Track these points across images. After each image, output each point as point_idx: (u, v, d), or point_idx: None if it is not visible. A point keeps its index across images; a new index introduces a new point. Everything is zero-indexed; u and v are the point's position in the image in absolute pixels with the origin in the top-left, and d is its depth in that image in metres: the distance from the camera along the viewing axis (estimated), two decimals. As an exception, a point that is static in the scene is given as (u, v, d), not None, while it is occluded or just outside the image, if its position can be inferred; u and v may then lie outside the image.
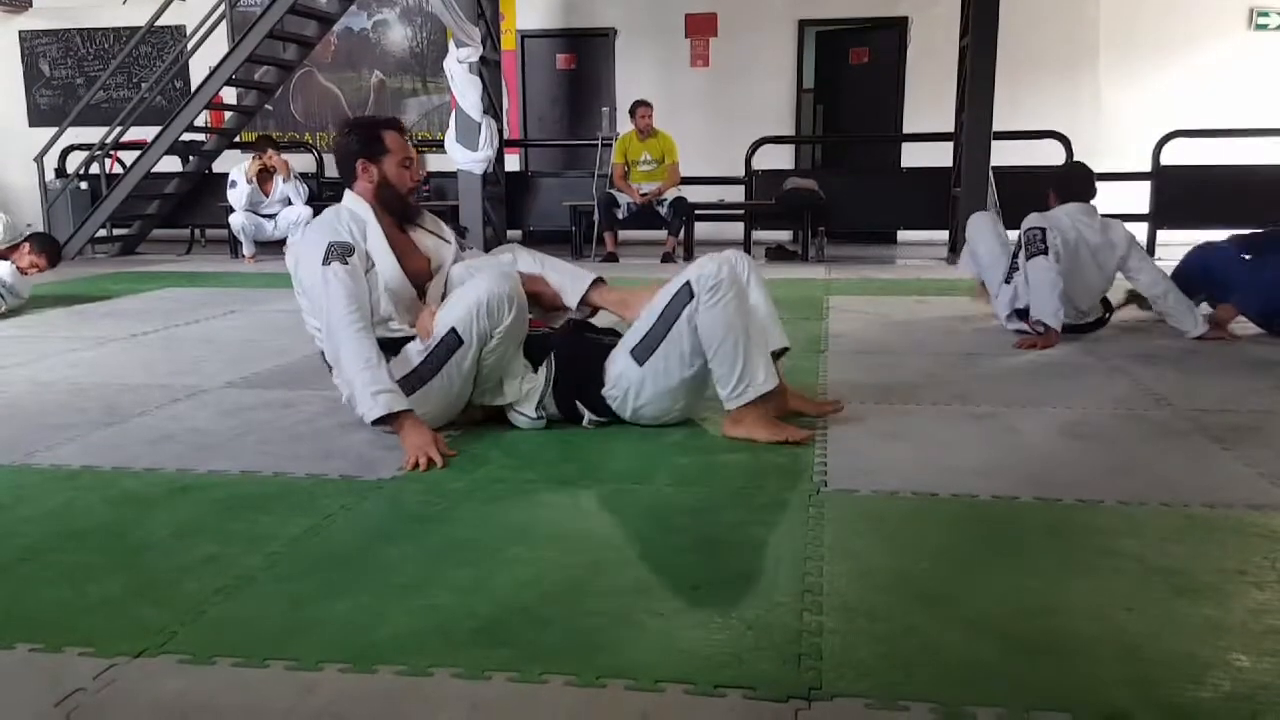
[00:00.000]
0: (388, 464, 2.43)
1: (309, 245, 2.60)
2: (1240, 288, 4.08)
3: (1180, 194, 7.61)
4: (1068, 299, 4.00)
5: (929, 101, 9.10)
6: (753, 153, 8.29)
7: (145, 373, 3.59)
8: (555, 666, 1.44)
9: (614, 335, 2.85)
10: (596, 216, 7.66)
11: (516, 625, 1.58)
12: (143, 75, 10.54)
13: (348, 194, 2.74)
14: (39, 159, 8.55)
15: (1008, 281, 4.19)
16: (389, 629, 1.57)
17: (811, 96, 10.12)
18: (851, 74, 9.93)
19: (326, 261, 2.53)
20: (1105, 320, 4.29)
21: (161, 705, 1.36)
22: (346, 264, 2.54)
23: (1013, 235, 4.29)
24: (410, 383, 2.56)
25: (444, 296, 2.73)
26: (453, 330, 2.54)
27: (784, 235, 8.96)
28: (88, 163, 8.63)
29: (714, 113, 9.65)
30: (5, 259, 5.02)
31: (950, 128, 7.82)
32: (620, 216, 7.69)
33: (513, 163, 9.52)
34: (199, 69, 9.10)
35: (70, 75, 11.18)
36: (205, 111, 8.57)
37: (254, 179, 7.72)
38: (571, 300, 2.78)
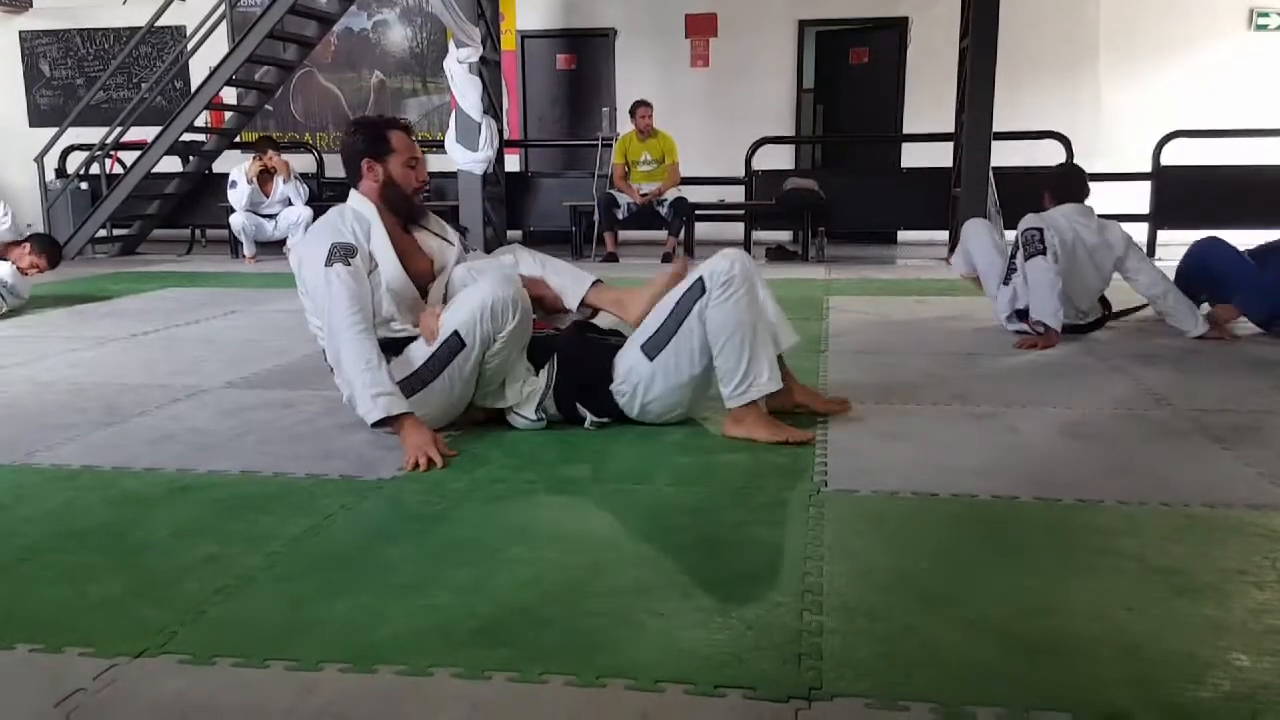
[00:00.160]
0: (388, 464, 2.43)
1: (312, 246, 2.61)
2: (1241, 288, 4.07)
3: (1180, 194, 7.62)
4: (1067, 299, 4.00)
5: (929, 102, 9.10)
6: (753, 153, 8.29)
7: (145, 373, 3.59)
8: (555, 666, 1.44)
9: (618, 336, 2.86)
10: (597, 217, 7.67)
11: (516, 625, 1.58)
12: (143, 75, 10.54)
13: (353, 193, 2.74)
14: (39, 159, 8.55)
15: (1006, 283, 4.19)
16: (389, 629, 1.57)
17: (811, 97, 10.12)
18: (852, 74, 9.93)
19: (329, 263, 2.53)
20: (1103, 321, 4.29)
21: (162, 705, 1.36)
22: (349, 265, 2.54)
23: (1010, 235, 4.29)
24: (411, 384, 2.56)
25: (446, 298, 2.74)
26: (455, 333, 2.54)
27: (784, 235, 8.96)
28: (88, 163, 8.64)
29: (714, 113, 9.65)
30: (5, 259, 5.02)
31: (950, 128, 7.82)
32: (620, 217, 7.70)
33: (513, 163, 9.52)
34: (199, 69, 9.10)
35: (70, 75, 11.18)
36: (205, 112, 8.57)
37: (254, 179, 7.73)
38: (572, 302, 2.79)
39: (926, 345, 4.01)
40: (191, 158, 9.05)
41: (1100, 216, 4.19)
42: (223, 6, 8.58)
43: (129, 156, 8.59)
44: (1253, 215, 7.11)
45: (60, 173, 8.92)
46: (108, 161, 8.68)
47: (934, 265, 7.31)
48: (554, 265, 2.86)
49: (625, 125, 8.10)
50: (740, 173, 8.36)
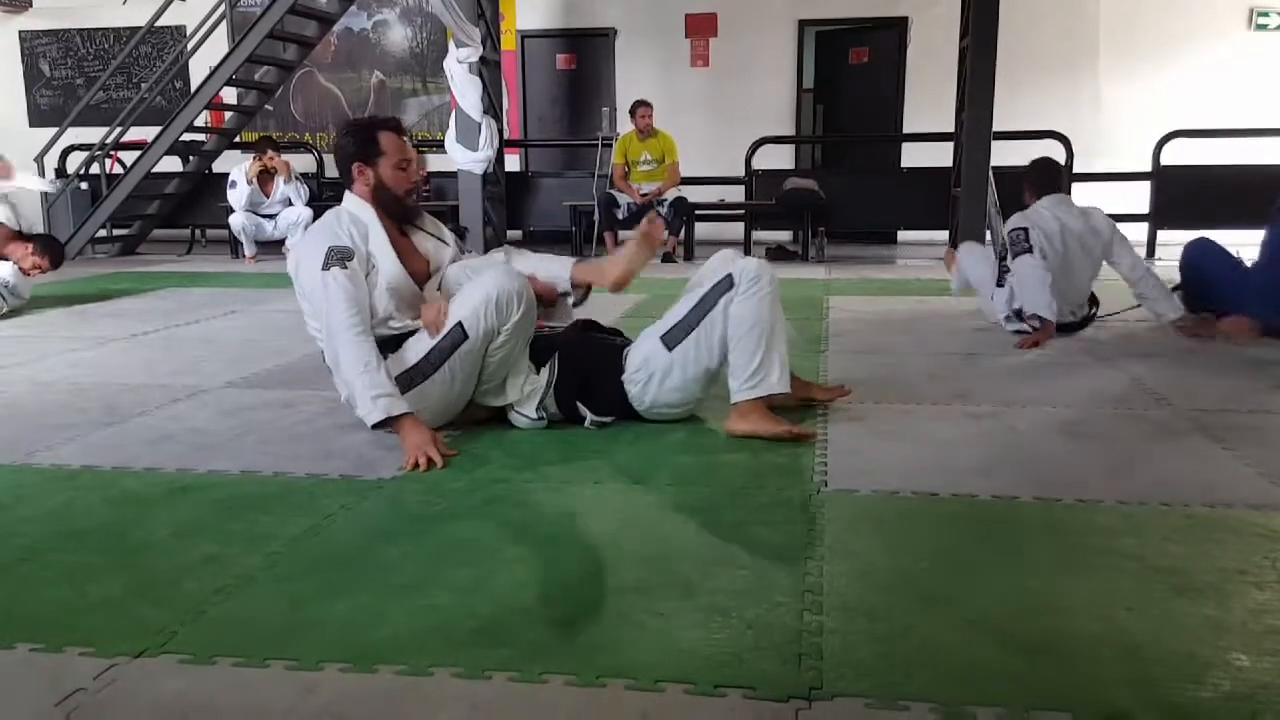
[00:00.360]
0: (388, 464, 2.43)
1: (309, 250, 2.61)
2: (1238, 294, 4.06)
3: (1180, 194, 7.62)
4: (1061, 294, 4.03)
5: (929, 101, 9.10)
6: (753, 153, 8.29)
7: (145, 373, 3.59)
8: (555, 666, 1.44)
9: (620, 336, 2.89)
10: (597, 216, 7.67)
11: (516, 625, 1.58)
12: (143, 75, 10.54)
13: (348, 195, 2.74)
14: (39, 159, 8.56)
15: (1000, 285, 4.24)
16: (389, 629, 1.57)
17: (811, 96, 10.12)
18: (852, 74, 9.93)
19: (326, 267, 2.54)
20: (1093, 317, 4.32)
21: (162, 705, 1.36)
22: (346, 268, 2.54)
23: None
24: (411, 377, 2.57)
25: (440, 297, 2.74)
26: (459, 325, 2.54)
27: (784, 235, 8.96)
28: (88, 163, 8.63)
29: (714, 113, 9.65)
30: (6, 259, 5.02)
31: (950, 128, 7.82)
32: (620, 216, 7.69)
33: (513, 163, 9.52)
34: (199, 69, 9.10)
35: (70, 75, 11.19)
36: (205, 112, 8.57)
37: (254, 180, 7.73)
38: (565, 285, 2.78)
39: (926, 345, 4.01)
40: (191, 158, 9.05)
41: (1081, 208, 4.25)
42: (223, 6, 8.58)
43: (129, 156, 8.59)
44: (1252, 215, 7.06)
45: (60, 173, 8.92)
46: (108, 161, 8.68)
47: (934, 265, 7.30)
48: (541, 259, 2.88)
49: (625, 125, 8.10)
50: (740, 172, 8.36)
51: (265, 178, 7.78)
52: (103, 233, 8.60)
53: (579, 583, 1.74)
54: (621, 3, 9.91)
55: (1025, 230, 4.07)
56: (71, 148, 8.81)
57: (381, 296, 2.62)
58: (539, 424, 2.70)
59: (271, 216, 7.85)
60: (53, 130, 8.81)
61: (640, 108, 7.64)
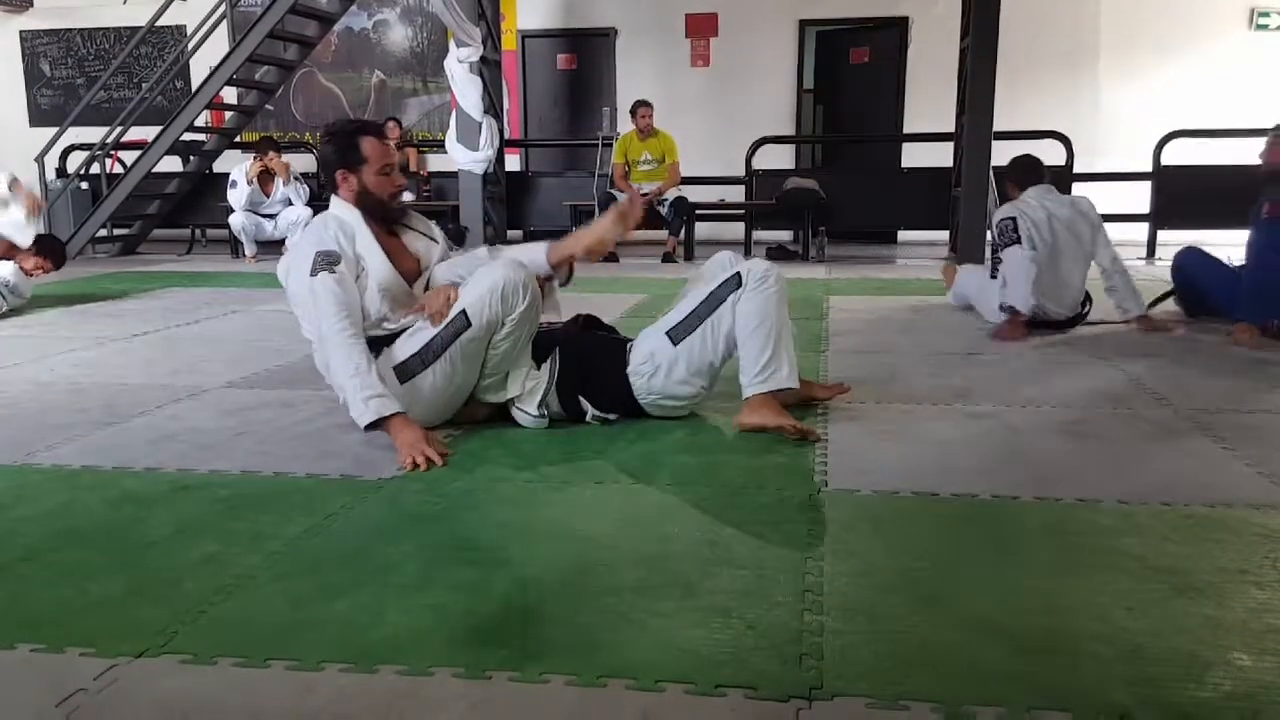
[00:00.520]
0: (388, 464, 2.43)
1: (297, 257, 2.62)
2: (1229, 298, 4.06)
3: (1181, 194, 7.61)
4: (1053, 286, 4.13)
5: (929, 101, 9.10)
6: (753, 152, 8.28)
7: (145, 373, 3.59)
8: (556, 666, 1.44)
9: (617, 333, 2.90)
10: (597, 216, 7.65)
11: (517, 625, 1.58)
12: (143, 75, 10.54)
13: (334, 200, 2.74)
14: (40, 159, 8.55)
15: (994, 277, 4.32)
16: (389, 628, 1.57)
17: (812, 96, 10.12)
18: (852, 74, 9.93)
19: (314, 273, 2.54)
20: (1086, 315, 4.34)
21: (162, 705, 1.36)
22: (334, 273, 2.54)
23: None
24: (412, 366, 2.58)
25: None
26: (463, 313, 2.55)
27: (784, 235, 8.97)
28: (88, 163, 8.64)
29: (714, 112, 9.65)
30: (9, 259, 5.02)
31: (950, 128, 7.82)
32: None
33: (513, 163, 9.52)
34: (199, 69, 9.11)
35: (71, 75, 11.19)
36: (206, 111, 8.57)
37: (255, 180, 7.73)
38: (545, 269, 2.75)
39: (926, 345, 4.01)
40: (192, 157, 9.05)
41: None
42: (223, 6, 8.58)
43: (129, 156, 8.59)
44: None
45: (61, 172, 8.93)
46: (108, 161, 8.68)
47: (934, 265, 7.31)
48: (520, 249, 2.86)
49: (625, 125, 8.10)
50: (740, 172, 8.36)
51: (265, 178, 7.78)
52: (103, 232, 8.60)
53: (579, 582, 1.74)
54: (622, 3, 9.91)
55: (1014, 220, 4.15)
56: (72, 147, 8.81)
57: (373, 298, 2.63)
58: (541, 421, 2.70)
59: (272, 216, 7.85)
60: (53, 130, 8.81)
61: (641, 107, 7.63)
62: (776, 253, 7.89)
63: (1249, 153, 7.93)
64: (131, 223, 8.91)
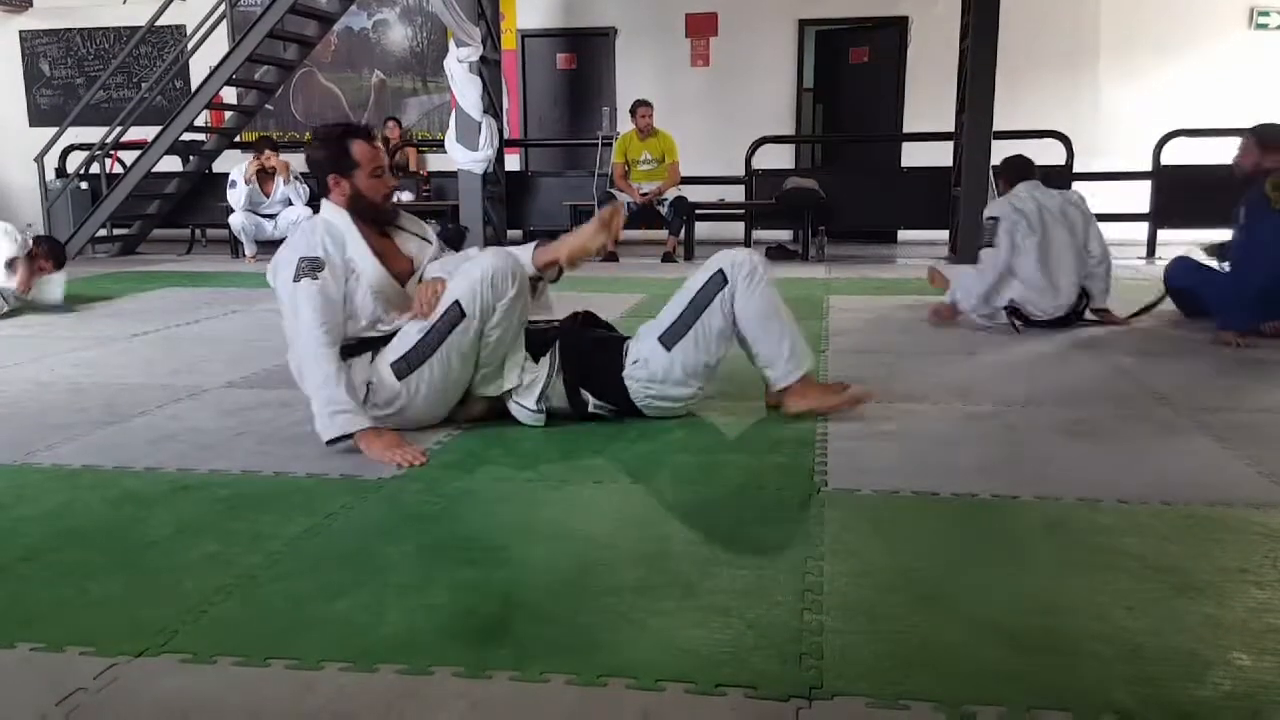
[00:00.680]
0: (388, 463, 2.42)
1: (283, 262, 2.61)
2: (1224, 303, 4.06)
3: (1181, 193, 7.61)
4: (1048, 277, 4.21)
5: (929, 101, 9.10)
6: (753, 152, 8.29)
7: (145, 372, 3.59)
8: (556, 665, 1.44)
9: (615, 330, 2.92)
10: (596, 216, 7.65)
11: (517, 624, 1.58)
12: (143, 75, 10.54)
13: (325, 203, 2.73)
14: (39, 159, 8.55)
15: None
16: (389, 628, 1.57)
17: (812, 96, 10.12)
18: (852, 73, 9.93)
19: (297, 278, 2.55)
20: (1081, 312, 4.36)
21: (163, 704, 1.36)
22: (317, 279, 2.54)
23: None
24: (410, 361, 2.58)
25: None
26: (456, 303, 2.55)
27: (784, 235, 8.96)
28: (88, 162, 8.63)
29: (714, 112, 9.65)
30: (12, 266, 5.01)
31: (950, 127, 7.82)
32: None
33: (513, 162, 9.52)
34: (199, 69, 9.10)
35: (70, 75, 11.19)
36: (205, 111, 8.57)
37: (253, 179, 7.73)
38: (531, 269, 2.73)
39: (926, 344, 4.01)
40: (191, 157, 9.05)
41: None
42: (223, 6, 8.58)
43: (129, 156, 8.58)
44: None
45: (60, 172, 8.92)
46: (108, 161, 8.68)
47: (936, 264, 7.30)
48: (507, 250, 2.86)
49: (625, 124, 8.10)
50: (740, 172, 8.36)
51: (265, 178, 7.78)
52: (103, 232, 8.60)
53: (579, 582, 1.74)
54: (622, 2, 9.91)
55: (996, 220, 4.32)
56: (72, 147, 8.80)
57: (366, 300, 2.62)
58: (539, 417, 2.70)
59: (271, 216, 7.85)
60: (53, 130, 8.81)
61: (640, 107, 7.63)
62: (776, 252, 7.89)
63: (1249, 152, 7.94)
64: (131, 223, 8.90)
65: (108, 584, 1.75)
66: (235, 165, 7.99)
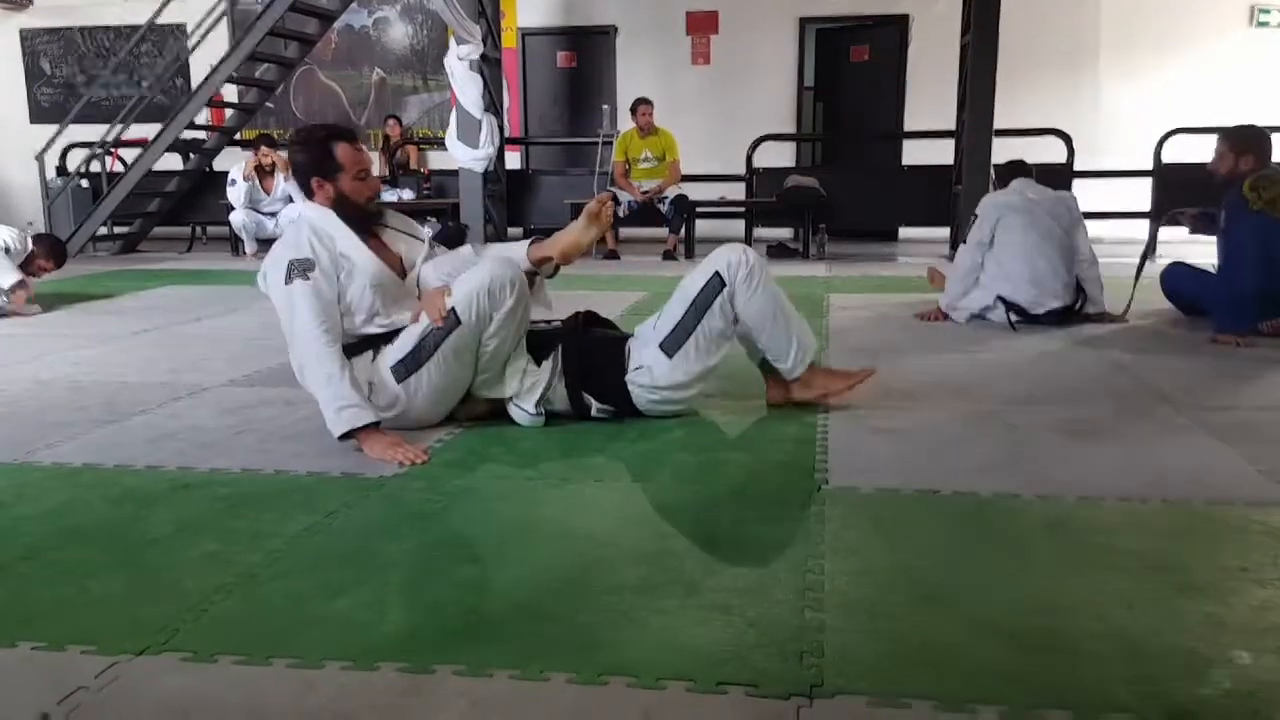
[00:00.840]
0: (389, 462, 2.42)
1: (274, 267, 2.60)
2: (1217, 306, 4.06)
3: (1181, 192, 7.58)
4: (1031, 266, 4.25)
5: (930, 99, 9.10)
6: (753, 150, 8.28)
7: (146, 371, 3.59)
8: (556, 664, 1.44)
9: (617, 328, 2.92)
10: (597, 214, 7.65)
11: (518, 622, 1.58)
12: (143, 73, 10.54)
13: (309, 205, 2.71)
14: (40, 157, 8.56)
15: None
16: (390, 626, 1.57)
17: (812, 94, 10.12)
18: (852, 71, 9.92)
19: (289, 280, 2.54)
20: (1074, 309, 4.36)
21: (163, 703, 1.37)
22: (309, 279, 2.53)
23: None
24: (407, 365, 2.58)
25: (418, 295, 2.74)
26: (452, 310, 2.55)
27: (785, 233, 8.96)
28: (89, 160, 8.64)
29: (715, 110, 9.65)
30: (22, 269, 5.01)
31: (951, 125, 7.82)
32: (621, 214, 7.69)
33: (514, 160, 9.52)
34: (200, 67, 9.10)
35: (71, 73, 11.19)
36: (206, 109, 8.57)
37: (252, 176, 7.73)
38: (525, 264, 2.74)
39: (927, 342, 4.01)
40: (192, 155, 9.05)
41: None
42: (223, 4, 8.59)
43: (130, 154, 8.59)
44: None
45: (61, 170, 8.93)
46: (108, 159, 8.68)
47: (935, 263, 7.30)
48: (504, 246, 2.88)
49: (626, 123, 8.10)
50: (741, 170, 8.36)
51: (265, 175, 7.78)
52: (104, 230, 8.60)
53: (580, 580, 1.74)
54: (622, 0, 9.90)
55: (975, 217, 4.47)
56: (72, 145, 8.81)
57: (365, 295, 2.61)
58: (538, 419, 2.70)
59: (272, 214, 7.85)
60: (54, 128, 8.82)
61: (641, 105, 7.63)
62: (777, 250, 7.89)
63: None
64: (132, 221, 8.91)
65: (108, 583, 1.75)
66: (235, 163, 8.00)
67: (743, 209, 8.18)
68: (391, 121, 9.58)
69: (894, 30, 9.60)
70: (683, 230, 7.66)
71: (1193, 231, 4.46)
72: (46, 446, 2.61)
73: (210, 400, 3.13)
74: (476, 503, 2.17)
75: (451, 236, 6.77)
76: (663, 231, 7.77)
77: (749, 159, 8.30)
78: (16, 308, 4.88)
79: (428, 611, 1.62)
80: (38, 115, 11.19)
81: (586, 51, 10.18)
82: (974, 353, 3.81)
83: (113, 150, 8.74)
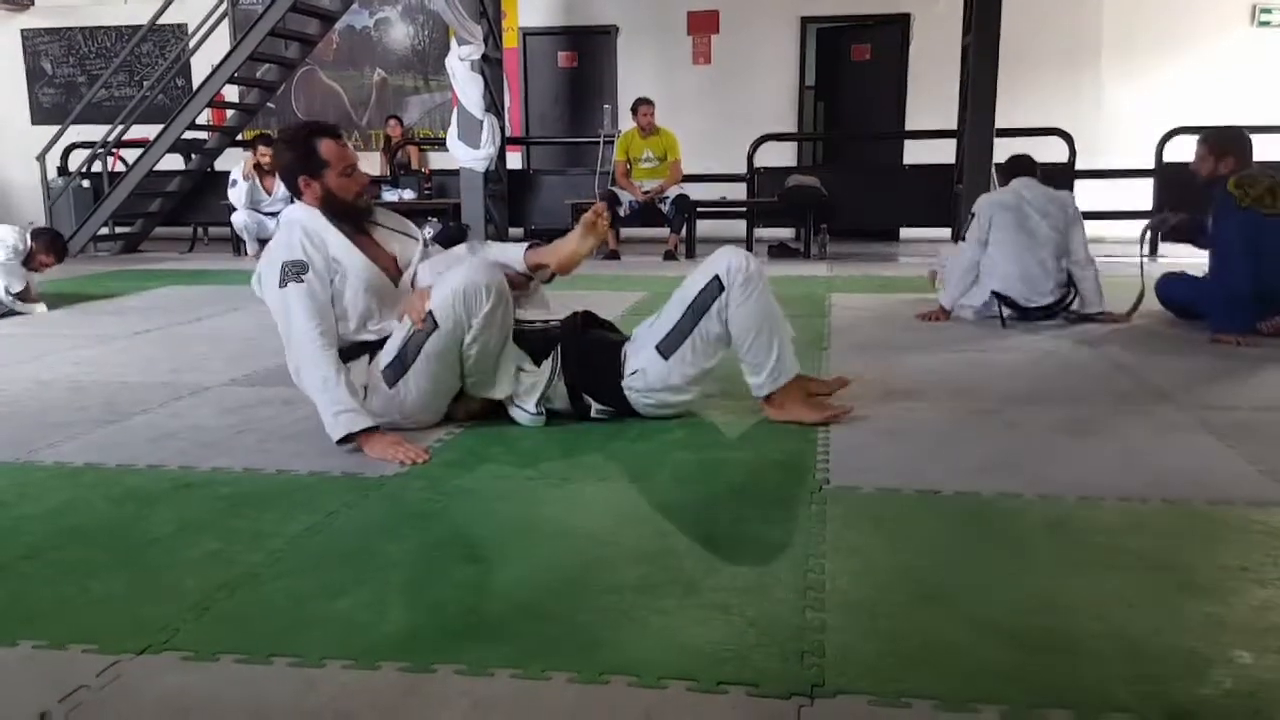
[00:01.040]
0: (390, 461, 2.43)
1: (267, 271, 2.60)
2: (1213, 309, 4.05)
3: (1183, 191, 7.58)
4: (1023, 259, 4.29)
5: (931, 98, 9.09)
6: (755, 150, 8.28)
7: (147, 370, 3.59)
8: (557, 663, 1.44)
9: (615, 328, 2.91)
10: (598, 214, 7.65)
11: (519, 622, 1.58)
12: (145, 73, 10.54)
13: (298, 206, 2.70)
14: (41, 157, 8.56)
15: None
16: (391, 625, 1.57)
17: (813, 93, 10.12)
18: (853, 71, 9.92)
19: (283, 284, 2.54)
20: (1066, 304, 4.38)
21: (165, 702, 1.37)
22: (302, 281, 2.53)
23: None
24: (395, 369, 2.58)
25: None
26: (430, 314, 2.54)
27: (786, 232, 8.96)
28: (90, 161, 8.64)
29: (716, 110, 9.64)
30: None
31: (952, 124, 7.82)
32: (622, 214, 7.69)
33: (515, 160, 9.52)
34: (201, 67, 9.10)
35: (72, 73, 11.20)
36: (207, 110, 8.57)
37: (252, 175, 7.73)
38: (521, 267, 2.73)
39: (927, 341, 4.01)
40: (193, 155, 9.06)
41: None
42: (224, 4, 8.60)
43: (131, 154, 8.60)
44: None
45: (62, 170, 8.93)
46: (110, 159, 8.69)
47: (936, 263, 7.30)
48: (502, 247, 2.85)
49: (627, 122, 8.09)
50: (742, 170, 8.36)
51: (267, 175, 7.79)
52: (105, 230, 8.61)
53: (581, 580, 1.74)
54: (623, 0, 9.90)
55: (973, 216, 4.48)
56: (74, 145, 8.82)
57: (358, 298, 2.61)
58: (538, 419, 2.70)
59: (273, 214, 7.85)
60: (55, 128, 8.82)
61: (642, 105, 7.63)
62: (778, 250, 7.89)
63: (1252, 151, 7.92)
64: (133, 221, 8.92)
65: (110, 582, 1.76)
66: (237, 164, 8.00)
67: (744, 209, 8.18)
68: (393, 122, 9.59)
69: (895, 30, 9.59)
70: (684, 230, 7.66)
71: (1168, 240, 4.47)
72: (48, 446, 2.61)
73: (211, 400, 3.13)
74: (477, 502, 2.17)
75: (452, 236, 6.77)
76: (664, 231, 7.77)
77: (750, 159, 8.30)
78: (23, 307, 4.89)
79: (428, 611, 1.62)
80: (39, 116, 11.20)
81: (587, 51, 10.18)
82: (974, 352, 3.81)
83: (114, 150, 8.75)
